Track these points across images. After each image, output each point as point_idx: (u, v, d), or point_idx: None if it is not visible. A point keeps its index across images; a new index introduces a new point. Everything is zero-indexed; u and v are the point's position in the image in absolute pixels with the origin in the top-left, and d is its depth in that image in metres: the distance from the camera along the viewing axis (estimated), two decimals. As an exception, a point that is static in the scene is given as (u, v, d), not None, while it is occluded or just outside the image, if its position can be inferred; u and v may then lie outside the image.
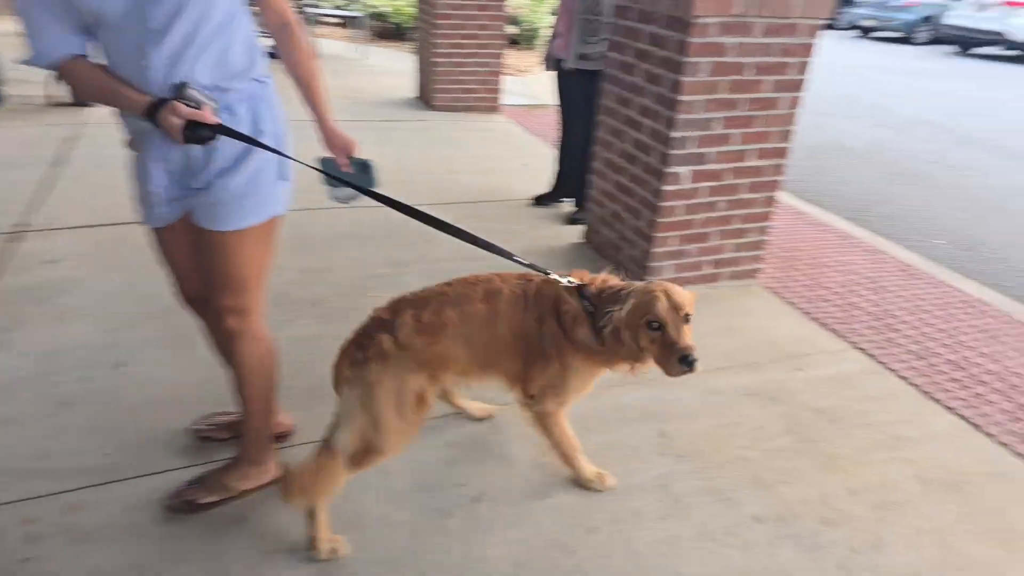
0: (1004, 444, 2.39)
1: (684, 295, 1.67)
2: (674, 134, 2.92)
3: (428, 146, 5.22)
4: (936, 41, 15.38)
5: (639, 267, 3.27)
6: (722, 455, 2.23)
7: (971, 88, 10.51)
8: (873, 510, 2.04)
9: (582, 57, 3.73)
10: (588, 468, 2.04)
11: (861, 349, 2.92)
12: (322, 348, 2.54)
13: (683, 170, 3.01)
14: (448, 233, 1.70)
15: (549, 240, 3.77)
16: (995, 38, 13.84)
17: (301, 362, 2.47)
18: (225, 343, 1.82)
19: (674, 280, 3.19)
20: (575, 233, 3.82)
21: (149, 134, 1.54)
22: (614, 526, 1.93)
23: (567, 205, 4.21)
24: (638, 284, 1.72)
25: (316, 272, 3.19)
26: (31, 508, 1.83)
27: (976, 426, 2.47)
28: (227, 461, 1.94)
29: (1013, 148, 7.08)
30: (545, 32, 9.79)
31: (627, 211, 3.32)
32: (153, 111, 1.45)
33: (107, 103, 1.52)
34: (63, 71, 1.49)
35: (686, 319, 1.65)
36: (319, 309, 2.90)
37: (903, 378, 2.74)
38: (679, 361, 1.61)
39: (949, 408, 2.56)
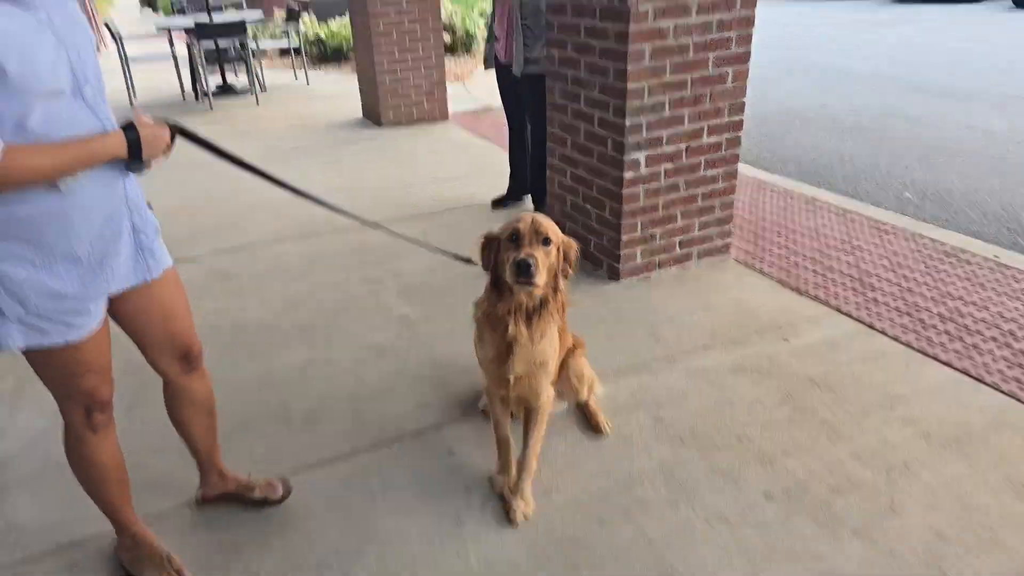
0: (1005, 393, 2.34)
1: (548, 223, 1.71)
2: (626, 121, 2.89)
3: (381, 162, 5.17)
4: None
5: (609, 256, 3.23)
6: (721, 435, 2.20)
7: (909, 34, 10.69)
8: (881, 473, 2.01)
9: (528, 62, 3.69)
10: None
11: (844, 312, 2.89)
12: (315, 372, 2.64)
13: (640, 155, 2.98)
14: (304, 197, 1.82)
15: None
16: None
17: (298, 387, 2.51)
18: (188, 393, 1.78)
19: (646, 263, 3.22)
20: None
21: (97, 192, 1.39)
22: (625, 517, 1.88)
23: (526, 204, 4.17)
24: None
25: (298, 300, 3.18)
26: None
27: (974, 377, 2.42)
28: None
29: (961, 89, 7.14)
30: (481, 34, 9.79)
31: (589, 202, 3.28)
32: (132, 136, 1.38)
33: (63, 168, 1.29)
34: (3, 165, 1.21)
35: (544, 241, 1.67)
36: (306, 334, 2.90)
37: (892, 337, 2.70)
38: (514, 265, 1.62)
39: (944, 362, 2.52)
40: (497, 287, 1.76)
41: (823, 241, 3.58)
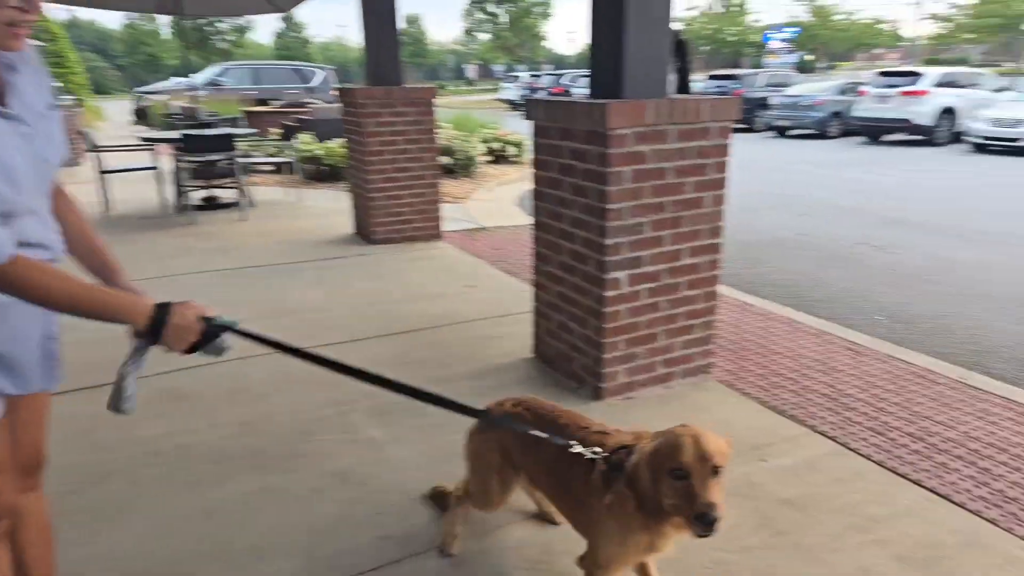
0: (974, 512, 2.35)
1: (716, 443, 1.47)
2: (607, 241, 2.94)
3: (371, 279, 5.18)
4: (847, 134, 16.82)
5: (592, 375, 3.17)
6: (699, 559, 2.09)
7: (886, 172, 11.41)
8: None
9: None
10: None
11: (821, 432, 2.88)
12: (266, 503, 2.42)
13: (621, 275, 3.01)
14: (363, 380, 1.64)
15: (499, 358, 3.68)
16: (901, 125, 15.16)
17: (243, 520, 2.31)
18: (31, 515, 1.59)
19: (629, 383, 3.15)
20: (526, 349, 3.74)
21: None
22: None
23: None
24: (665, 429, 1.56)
25: (253, 423, 2.98)
26: None
27: (943, 496, 2.43)
28: None
29: (932, 224, 7.53)
30: (481, 159, 10.27)
31: (573, 320, 3.27)
32: (159, 317, 1.31)
33: (76, 309, 1.24)
34: (9, 271, 1.17)
35: (714, 471, 1.43)
36: (259, 459, 2.70)
37: (865, 456, 2.70)
38: (696, 519, 1.40)
39: (915, 482, 2.53)
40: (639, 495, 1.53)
41: (801, 361, 3.61)
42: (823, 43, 56.17)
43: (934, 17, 56.43)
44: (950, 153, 13.89)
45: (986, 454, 2.71)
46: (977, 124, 13.89)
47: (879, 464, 2.64)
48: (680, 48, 5.41)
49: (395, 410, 3.03)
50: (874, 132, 16.10)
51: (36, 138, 1.28)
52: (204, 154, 7.10)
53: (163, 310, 1.33)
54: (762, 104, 18.61)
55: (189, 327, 1.35)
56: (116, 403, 1.38)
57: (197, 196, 7.71)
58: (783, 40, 47.87)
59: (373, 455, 2.72)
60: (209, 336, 1.39)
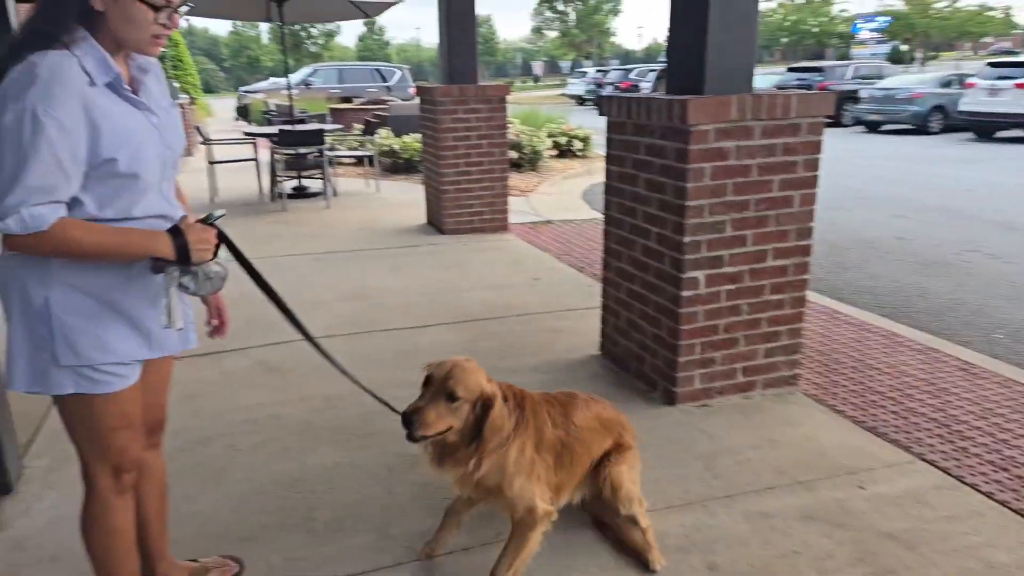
0: None
1: (463, 375, 1.65)
2: (685, 238, 2.80)
3: (438, 267, 5.22)
4: (950, 129, 15.55)
5: (664, 377, 3.03)
6: None
7: (998, 172, 10.37)
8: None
9: None
10: None
11: (929, 461, 2.57)
12: (345, 477, 2.50)
13: (699, 274, 2.86)
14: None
15: (565, 353, 3.59)
16: (1017, 120, 13.80)
17: (326, 492, 2.40)
18: (148, 468, 1.76)
19: (705, 389, 3.00)
20: (593, 346, 3.64)
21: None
22: None
23: None
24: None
25: (337, 398, 3.07)
26: None
27: None
28: None
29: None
30: (547, 153, 10.19)
31: (645, 319, 3.14)
32: (180, 242, 1.43)
33: (107, 255, 1.39)
34: (52, 234, 1.31)
35: (449, 397, 1.63)
36: (340, 434, 2.79)
37: (986, 494, 2.37)
38: (401, 415, 1.61)
39: None
40: None
41: (904, 380, 3.28)
42: (920, 32, 52.42)
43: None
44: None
45: None
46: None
47: (1002, 504, 2.32)
48: None
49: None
50: (984, 128, 14.76)
51: (162, 128, 1.49)
52: (296, 147, 7.57)
53: (177, 231, 1.44)
54: (851, 97, 17.52)
55: (201, 236, 1.46)
56: (168, 322, 1.50)
57: (289, 185, 8.22)
58: (873, 30, 45.09)
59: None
60: (221, 236, 1.51)
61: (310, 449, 2.69)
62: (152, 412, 1.71)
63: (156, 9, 1.36)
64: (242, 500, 2.37)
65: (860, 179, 9.73)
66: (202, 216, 1.52)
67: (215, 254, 1.50)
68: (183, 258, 1.43)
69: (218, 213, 1.53)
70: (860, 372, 3.37)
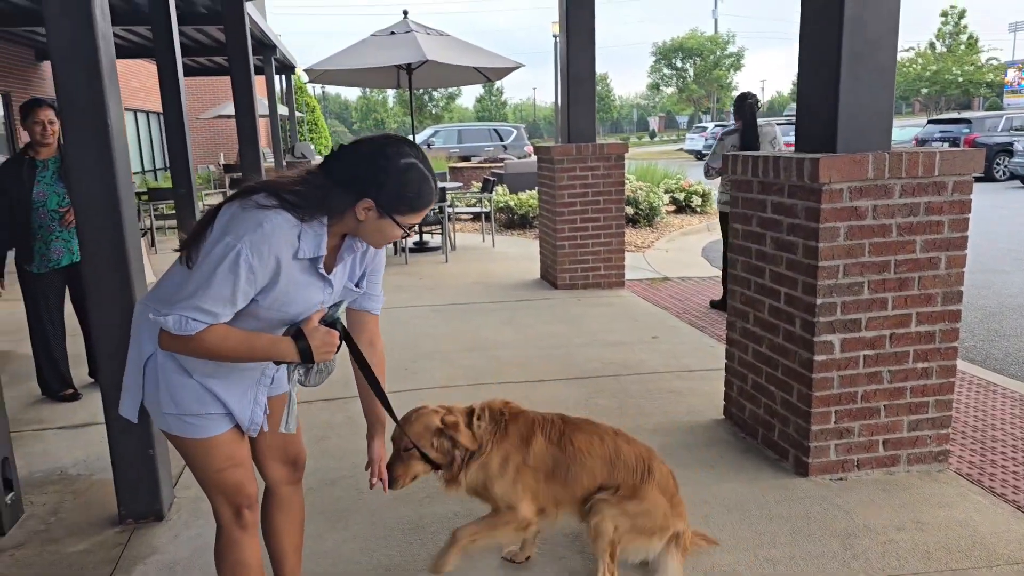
0: None
1: (396, 427, 1.94)
2: (817, 300, 2.69)
3: (555, 322, 5.26)
4: None
5: (795, 446, 2.87)
6: None
7: None
8: None
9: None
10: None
11: (1116, 558, 2.25)
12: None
13: (833, 338, 2.72)
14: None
15: (685, 415, 3.48)
16: None
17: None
18: (287, 502, 1.89)
19: (842, 461, 2.81)
20: (715, 409, 3.51)
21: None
22: None
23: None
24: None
25: None
26: None
27: None
28: None
29: None
30: (664, 209, 10.13)
31: (773, 383, 3.01)
32: (303, 346, 1.53)
33: (239, 357, 1.52)
34: (195, 338, 1.45)
35: (395, 447, 1.97)
36: None
37: None
38: None
39: None
40: None
41: (1078, 462, 2.91)
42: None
43: None
44: None
45: None
46: None
47: None
48: (743, 108, 5.37)
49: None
50: None
51: (334, 294, 1.63)
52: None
53: (299, 337, 1.52)
54: (1004, 150, 16.15)
55: (324, 340, 1.54)
56: (287, 423, 1.68)
57: (411, 240, 8.68)
58: (1027, 77, 41.31)
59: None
60: (342, 333, 1.60)
61: (433, 496, 2.72)
62: (285, 449, 1.83)
63: (406, 230, 1.55)
64: (366, 541, 2.46)
65: (1018, 239, 8.85)
66: (325, 313, 1.58)
67: (337, 351, 1.58)
68: (306, 360, 1.53)
69: (339, 312, 1.60)
70: (1021, 452, 3.03)
